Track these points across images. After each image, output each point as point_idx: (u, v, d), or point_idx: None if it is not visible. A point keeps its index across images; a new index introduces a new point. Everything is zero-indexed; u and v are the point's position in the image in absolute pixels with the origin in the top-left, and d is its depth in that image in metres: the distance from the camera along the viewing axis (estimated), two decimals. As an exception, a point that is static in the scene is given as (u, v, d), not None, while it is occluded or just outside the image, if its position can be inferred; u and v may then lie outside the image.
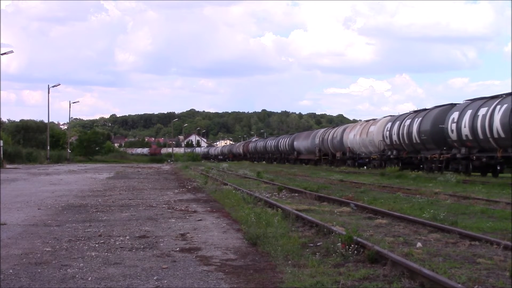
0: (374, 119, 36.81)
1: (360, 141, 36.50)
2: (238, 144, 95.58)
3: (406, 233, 8.33)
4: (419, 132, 27.59)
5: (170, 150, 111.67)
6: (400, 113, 32.48)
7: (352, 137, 38.11)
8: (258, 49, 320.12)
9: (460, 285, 4.89)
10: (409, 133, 28.57)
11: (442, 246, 7.27)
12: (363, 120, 41.98)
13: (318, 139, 46.44)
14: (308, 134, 51.57)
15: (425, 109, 28.82)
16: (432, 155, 26.64)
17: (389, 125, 31.84)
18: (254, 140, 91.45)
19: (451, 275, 5.49)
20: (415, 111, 29.76)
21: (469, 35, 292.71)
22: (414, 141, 28.23)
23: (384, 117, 34.98)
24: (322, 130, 48.56)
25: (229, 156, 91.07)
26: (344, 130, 40.51)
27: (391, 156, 31.49)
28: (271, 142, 66.59)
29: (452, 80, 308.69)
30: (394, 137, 30.54)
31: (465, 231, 8.05)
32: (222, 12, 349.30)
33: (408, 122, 29.14)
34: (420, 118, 27.80)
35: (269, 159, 66.67)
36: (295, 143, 54.61)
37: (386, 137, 31.75)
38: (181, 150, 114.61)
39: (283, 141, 59.82)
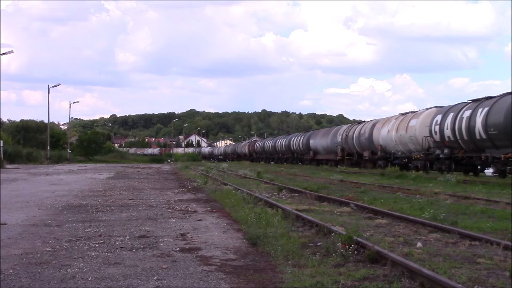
0: (413, 112, 31.04)
1: (396, 137, 30.56)
2: (243, 143, 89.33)
3: (406, 233, 8.33)
4: (485, 125, 21.86)
5: (179, 150, 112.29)
6: (453, 104, 26.29)
7: (385, 133, 32.28)
8: (258, 49, 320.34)
9: (460, 285, 4.89)
10: (470, 127, 22.80)
11: (442, 246, 7.27)
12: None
13: (340, 137, 40.75)
14: (328, 131, 46.31)
15: (490, 97, 23.10)
16: (506, 154, 21.21)
17: (438, 117, 25.89)
18: (259, 139, 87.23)
19: (451, 275, 5.49)
20: (474, 100, 23.99)
21: (469, 35, 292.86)
22: (478, 136, 22.44)
23: (427, 108, 29.32)
24: (346, 126, 42.85)
25: (232, 156, 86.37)
26: (374, 125, 34.96)
27: (441, 156, 25.73)
28: (281, 141, 60.49)
29: (453, 80, 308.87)
30: (447, 132, 24.72)
31: (465, 231, 8.05)
32: (222, 12, 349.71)
33: (467, 113, 23.36)
34: (487, 108, 22.07)
35: (279, 160, 61.20)
36: (311, 141, 48.86)
37: (435, 132, 25.93)
38: (188, 150, 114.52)
39: (296, 140, 54.00)
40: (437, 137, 25.88)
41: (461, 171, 24.95)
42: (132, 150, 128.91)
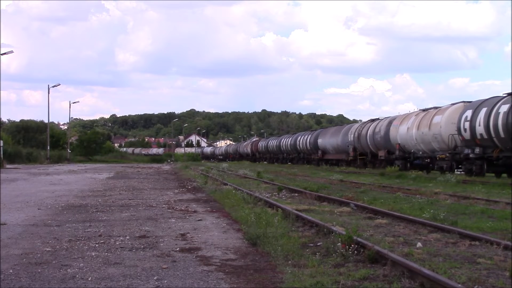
0: (435, 107, 28.36)
1: (418, 135, 27.96)
2: (245, 143, 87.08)
3: (406, 233, 8.33)
4: None
5: (182, 150, 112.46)
6: (484, 98, 23.88)
7: (404, 131, 29.70)
8: (258, 49, 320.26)
9: (460, 285, 4.89)
10: (508, 123, 20.61)
11: (442, 246, 7.27)
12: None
13: (352, 136, 38.26)
14: (338, 130, 43.58)
15: None
16: None
17: (468, 113, 23.54)
18: (263, 138, 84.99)
19: (451, 275, 5.49)
20: (510, 94, 21.83)
21: (469, 35, 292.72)
22: None
23: (453, 104, 26.64)
24: (358, 124, 40.15)
25: (234, 156, 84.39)
26: (390, 122, 32.37)
27: (471, 155, 23.31)
28: (286, 140, 57.84)
29: (453, 80, 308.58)
30: (479, 129, 22.34)
31: (465, 231, 8.05)
32: (222, 12, 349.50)
33: (504, 108, 21.12)
34: None
35: (283, 160, 58.60)
36: (319, 140, 46.40)
37: (464, 129, 23.44)
38: (191, 150, 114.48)
39: (303, 139, 51.44)
40: (467, 135, 23.38)
41: (494, 172, 23.07)
42: (137, 150, 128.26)
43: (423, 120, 27.89)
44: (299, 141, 52.74)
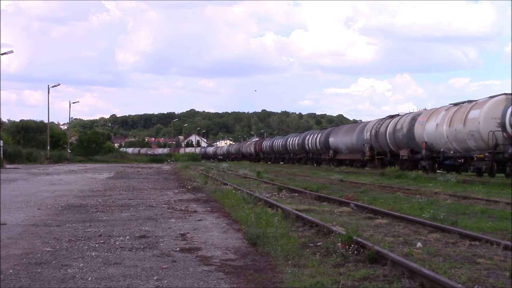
0: (470, 101, 25.43)
1: (449, 133, 25.14)
2: (249, 142, 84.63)
3: (406, 233, 8.33)
4: None
5: (188, 150, 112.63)
6: None
7: (432, 127, 26.71)
8: (258, 49, 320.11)
9: (460, 285, 4.89)
10: None
11: (442, 246, 7.27)
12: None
13: (368, 133, 35.39)
14: (352, 128, 40.76)
15: None
16: None
17: None
18: (267, 137, 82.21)
19: (451, 275, 5.49)
20: None
21: (470, 35, 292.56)
22: None
23: (492, 96, 23.76)
24: (375, 121, 36.55)
25: (237, 156, 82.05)
26: (414, 118, 29.41)
27: None
28: (294, 140, 54.84)
29: (453, 80, 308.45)
30: None
31: (465, 231, 8.05)
32: (223, 12, 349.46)
33: None
34: None
35: (290, 160, 55.92)
36: (331, 139, 43.45)
37: (510, 125, 20.85)
38: (197, 150, 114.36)
39: (312, 138, 48.53)
40: None
41: None
42: (143, 151, 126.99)
43: (456, 115, 24.95)
44: (308, 140, 49.93)
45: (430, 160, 27.35)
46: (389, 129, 32.27)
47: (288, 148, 56.46)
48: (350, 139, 39.64)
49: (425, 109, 32.06)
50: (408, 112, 32.00)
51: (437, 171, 26.93)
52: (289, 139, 57.38)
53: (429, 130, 27.08)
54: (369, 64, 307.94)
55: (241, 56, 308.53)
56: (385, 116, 35.63)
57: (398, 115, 33.58)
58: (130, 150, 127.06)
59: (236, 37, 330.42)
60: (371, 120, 37.99)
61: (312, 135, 49.85)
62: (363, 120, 39.18)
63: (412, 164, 29.16)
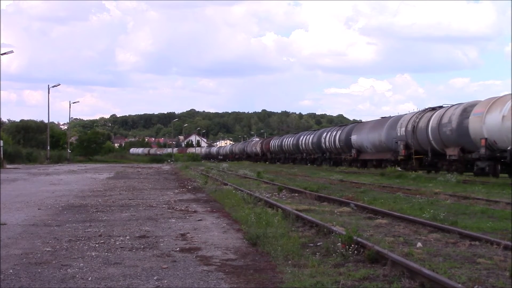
0: None
1: None
2: (254, 141, 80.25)
3: (406, 233, 8.33)
4: None
5: (193, 150, 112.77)
6: None
7: (494, 121, 21.70)
8: (259, 49, 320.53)
9: (460, 285, 4.89)
10: None
11: (442, 246, 7.27)
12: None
13: (403, 129, 29.90)
14: (380, 123, 35.14)
15: None
16: None
17: None
18: (276, 136, 76.10)
19: (451, 275, 5.49)
20: None
21: (470, 35, 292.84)
22: None
23: None
24: (411, 114, 30.69)
25: (241, 156, 78.28)
26: (465, 110, 24.28)
27: None
28: (306, 138, 49.29)
29: (453, 80, 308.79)
30: None
31: (465, 231, 8.05)
32: (223, 12, 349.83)
33: None
34: None
35: (302, 161, 50.46)
36: (353, 137, 38.31)
37: None
38: (202, 150, 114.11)
39: (331, 136, 43.10)
40: None
41: None
42: (152, 151, 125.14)
43: None
44: (325, 138, 44.46)
45: (492, 161, 22.26)
46: (432, 123, 26.82)
47: (301, 147, 51.07)
48: (378, 136, 34.39)
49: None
50: (457, 104, 26.22)
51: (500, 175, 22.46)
52: (301, 138, 51.82)
53: (491, 124, 21.92)
54: (369, 64, 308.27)
55: (241, 56, 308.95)
56: (424, 108, 30.08)
57: (441, 107, 28.10)
58: (140, 150, 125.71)
59: (236, 37, 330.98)
60: (405, 114, 32.40)
61: (329, 133, 44.42)
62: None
63: (463, 165, 24.51)
